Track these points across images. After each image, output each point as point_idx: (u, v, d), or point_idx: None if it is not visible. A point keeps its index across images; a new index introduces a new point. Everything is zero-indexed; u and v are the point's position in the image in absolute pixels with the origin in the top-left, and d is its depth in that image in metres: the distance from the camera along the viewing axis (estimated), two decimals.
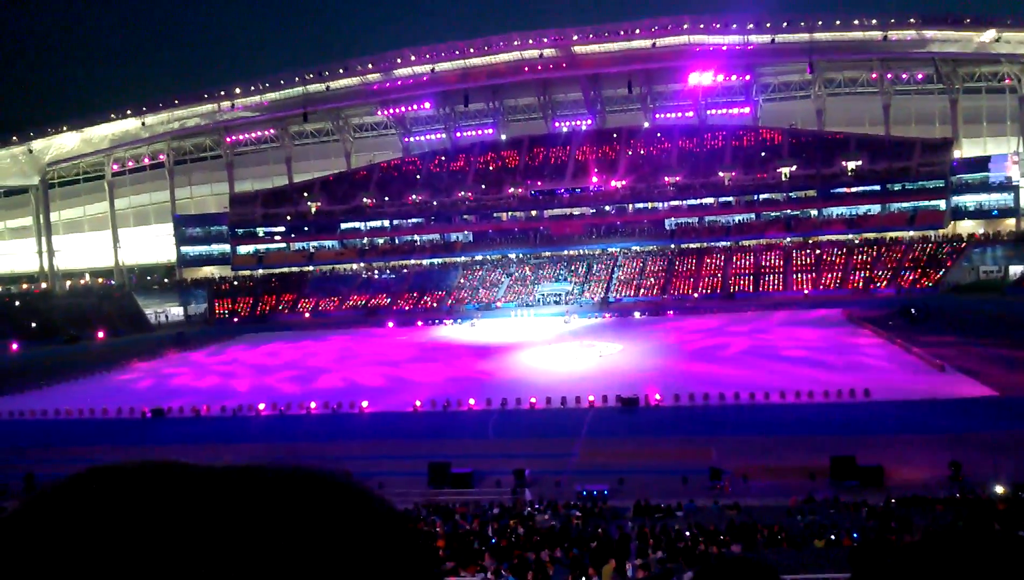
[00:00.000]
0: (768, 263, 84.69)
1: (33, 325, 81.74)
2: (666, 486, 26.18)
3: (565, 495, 25.90)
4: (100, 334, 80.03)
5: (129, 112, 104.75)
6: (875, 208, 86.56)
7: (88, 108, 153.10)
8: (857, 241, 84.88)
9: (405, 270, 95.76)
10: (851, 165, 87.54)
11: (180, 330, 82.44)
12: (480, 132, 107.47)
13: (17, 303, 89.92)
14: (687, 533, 19.71)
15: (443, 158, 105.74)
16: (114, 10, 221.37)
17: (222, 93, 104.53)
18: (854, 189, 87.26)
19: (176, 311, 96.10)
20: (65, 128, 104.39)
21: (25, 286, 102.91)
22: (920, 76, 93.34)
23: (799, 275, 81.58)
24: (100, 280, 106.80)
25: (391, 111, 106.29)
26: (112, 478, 0.41)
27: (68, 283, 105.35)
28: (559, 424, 35.94)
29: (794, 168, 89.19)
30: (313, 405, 42.05)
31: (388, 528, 0.51)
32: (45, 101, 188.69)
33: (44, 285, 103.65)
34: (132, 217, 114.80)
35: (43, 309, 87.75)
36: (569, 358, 53.61)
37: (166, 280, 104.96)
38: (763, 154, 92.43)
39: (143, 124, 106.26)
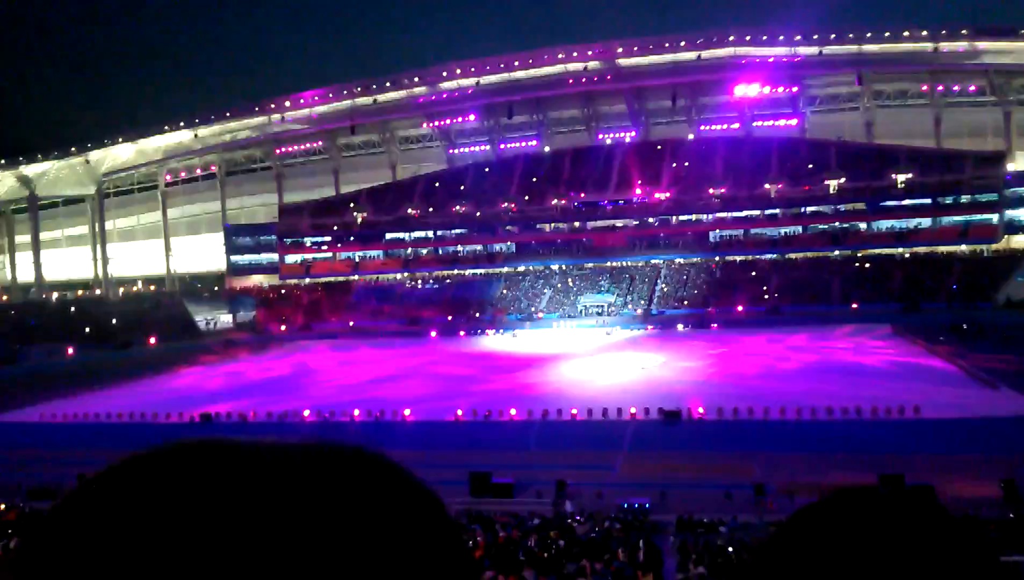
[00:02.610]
0: (815, 277, 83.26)
1: (88, 330, 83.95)
2: (709, 501, 25.95)
3: (606, 508, 25.86)
4: (152, 340, 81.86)
5: (182, 124, 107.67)
6: (926, 222, 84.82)
7: (142, 121, 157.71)
8: (907, 255, 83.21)
9: (448, 281, 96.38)
10: (901, 178, 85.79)
11: (228, 338, 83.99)
12: (524, 144, 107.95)
13: (73, 309, 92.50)
14: (730, 549, 19.54)
15: (487, 170, 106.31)
16: (168, 28, 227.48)
17: (272, 106, 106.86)
18: (904, 202, 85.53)
19: (225, 319, 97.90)
20: (120, 140, 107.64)
21: (81, 292, 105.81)
22: (972, 88, 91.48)
23: (847, 290, 80.00)
24: (152, 287, 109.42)
25: (437, 123, 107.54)
26: (147, 465, 0.41)
27: (121, 290, 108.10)
28: (601, 436, 35.85)
29: (842, 180, 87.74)
30: (356, 412, 42.55)
31: (426, 509, 0.48)
32: (101, 114, 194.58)
33: (99, 291, 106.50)
34: (184, 226, 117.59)
35: (97, 315, 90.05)
36: (611, 370, 53.44)
37: (216, 288, 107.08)
38: (810, 166, 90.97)
39: (195, 136, 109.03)
